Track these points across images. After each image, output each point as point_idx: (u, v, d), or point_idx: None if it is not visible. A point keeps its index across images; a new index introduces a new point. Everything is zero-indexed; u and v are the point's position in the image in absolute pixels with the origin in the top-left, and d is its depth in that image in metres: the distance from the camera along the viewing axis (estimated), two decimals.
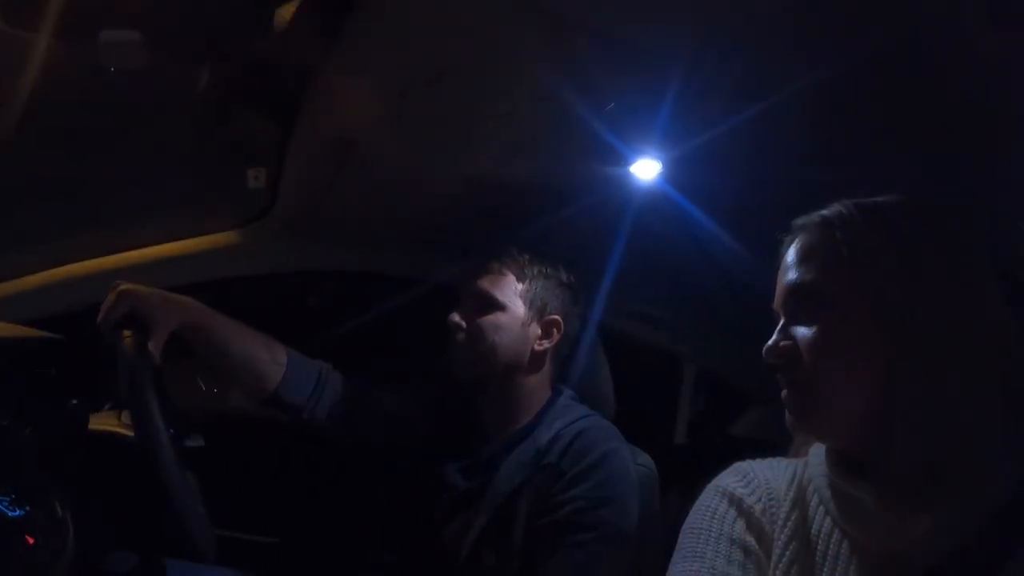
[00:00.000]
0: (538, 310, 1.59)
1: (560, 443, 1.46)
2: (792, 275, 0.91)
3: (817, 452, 0.94)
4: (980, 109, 1.08)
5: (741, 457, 1.00)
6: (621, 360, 1.81)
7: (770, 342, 0.91)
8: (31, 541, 1.16)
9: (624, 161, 1.43)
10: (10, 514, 1.16)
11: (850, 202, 0.91)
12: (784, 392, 0.90)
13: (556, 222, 1.61)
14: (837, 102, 1.14)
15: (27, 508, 1.18)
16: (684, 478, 1.75)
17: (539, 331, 1.59)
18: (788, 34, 1.02)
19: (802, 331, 0.88)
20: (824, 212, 0.92)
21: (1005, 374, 0.81)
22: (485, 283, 1.58)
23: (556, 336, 1.60)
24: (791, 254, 0.93)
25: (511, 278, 1.59)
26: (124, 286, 1.38)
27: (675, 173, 1.44)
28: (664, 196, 1.49)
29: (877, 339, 0.83)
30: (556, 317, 1.60)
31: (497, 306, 1.56)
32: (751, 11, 0.98)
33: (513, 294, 1.58)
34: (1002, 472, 0.79)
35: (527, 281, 1.59)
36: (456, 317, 1.58)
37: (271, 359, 1.54)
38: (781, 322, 0.92)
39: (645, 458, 1.65)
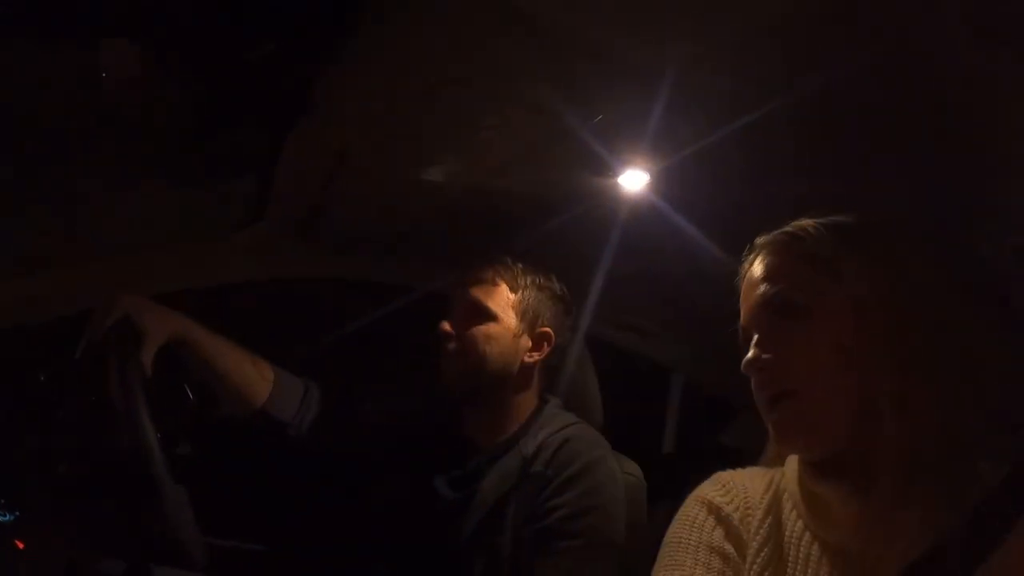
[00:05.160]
0: (530, 322, 1.58)
1: (546, 451, 1.47)
2: (765, 289, 0.93)
3: (792, 459, 0.97)
4: (967, 124, 1.09)
5: (730, 465, 1.02)
6: (609, 369, 1.82)
7: (749, 356, 0.93)
8: (21, 546, 1.16)
9: (613, 172, 1.44)
10: (0, 519, 1.17)
11: (812, 220, 0.95)
12: (765, 408, 0.92)
13: (545, 232, 1.61)
14: (825, 115, 1.15)
15: (17, 513, 1.18)
16: (672, 487, 1.77)
17: (529, 343, 1.58)
18: (777, 48, 1.03)
19: (784, 343, 0.90)
20: (788, 229, 0.96)
21: (980, 378, 0.84)
22: (478, 292, 1.57)
23: (546, 349, 1.60)
24: (759, 270, 0.96)
25: (504, 288, 1.57)
26: (119, 294, 1.38)
27: (663, 184, 1.45)
28: (652, 207, 1.50)
29: (860, 344, 0.86)
30: (547, 330, 1.60)
31: (489, 316, 1.55)
32: (740, 25, 1.00)
33: (506, 305, 1.56)
34: (975, 474, 0.82)
35: (520, 292, 1.58)
36: (447, 326, 1.57)
37: (259, 376, 1.55)
38: (755, 337, 0.93)
39: (633, 467, 1.66)
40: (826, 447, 0.90)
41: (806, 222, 0.95)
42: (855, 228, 0.93)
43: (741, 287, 0.99)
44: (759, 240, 0.98)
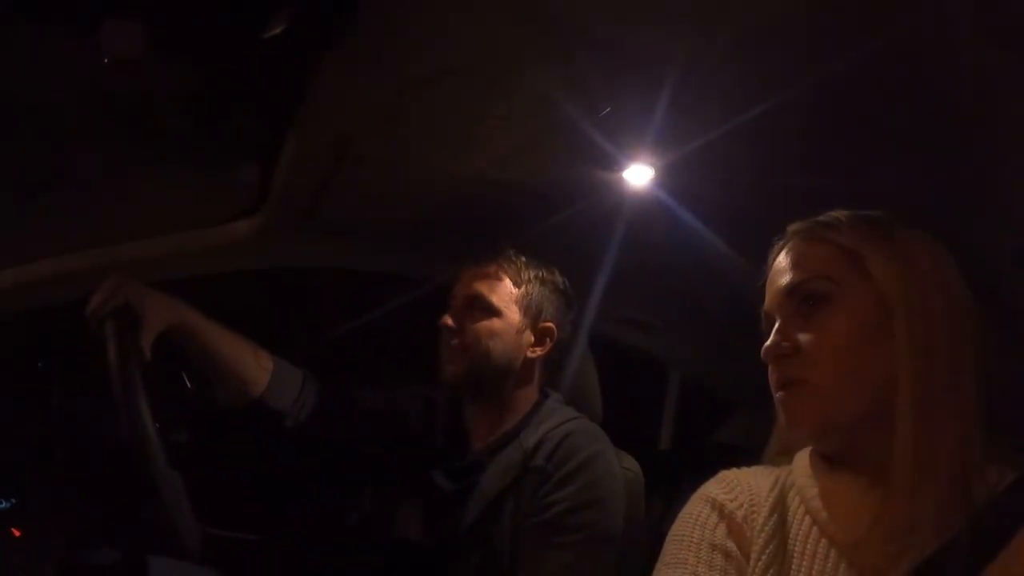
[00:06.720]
0: (533, 317, 1.57)
1: (547, 446, 1.46)
2: (794, 276, 0.94)
3: (801, 456, 0.97)
4: (974, 121, 1.09)
5: (725, 463, 1.02)
6: (608, 364, 1.81)
7: (770, 342, 0.93)
8: (17, 534, 1.16)
9: (618, 166, 1.43)
10: None
11: (845, 212, 0.95)
12: (781, 393, 0.92)
13: (549, 226, 1.60)
14: (831, 109, 1.15)
15: (13, 500, 1.18)
16: (668, 483, 1.77)
17: (532, 338, 1.57)
18: (783, 41, 1.03)
19: (805, 331, 0.91)
20: (822, 219, 0.96)
21: (989, 381, 0.85)
22: (481, 286, 1.55)
23: (548, 344, 1.59)
24: (787, 257, 0.96)
25: (507, 283, 1.56)
26: (120, 278, 1.36)
27: (668, 178, 1.44)
28: (657, 201, 1.49)
29: (880, 339, 0.87)
30: (550, 324, 1.59)
31: (493, 311, 1.54)
32: (747, 17, 0.99)
33: (509, 299, 1.55)
34: (984, 476, 0.82)
35: (523, 286, 1.56)
36: (449, 320, 1.55)
37: (257, 365, 1.53)
38: (778, 323, 0.94)
39: (631, 462, 1.66)
40: (835, 438, 0.91)
41: (839, 213, 0.96)
42: (883, 224, 0.94)
43: (768, 273, 0.99)
44: (791, 227, 0.98)
